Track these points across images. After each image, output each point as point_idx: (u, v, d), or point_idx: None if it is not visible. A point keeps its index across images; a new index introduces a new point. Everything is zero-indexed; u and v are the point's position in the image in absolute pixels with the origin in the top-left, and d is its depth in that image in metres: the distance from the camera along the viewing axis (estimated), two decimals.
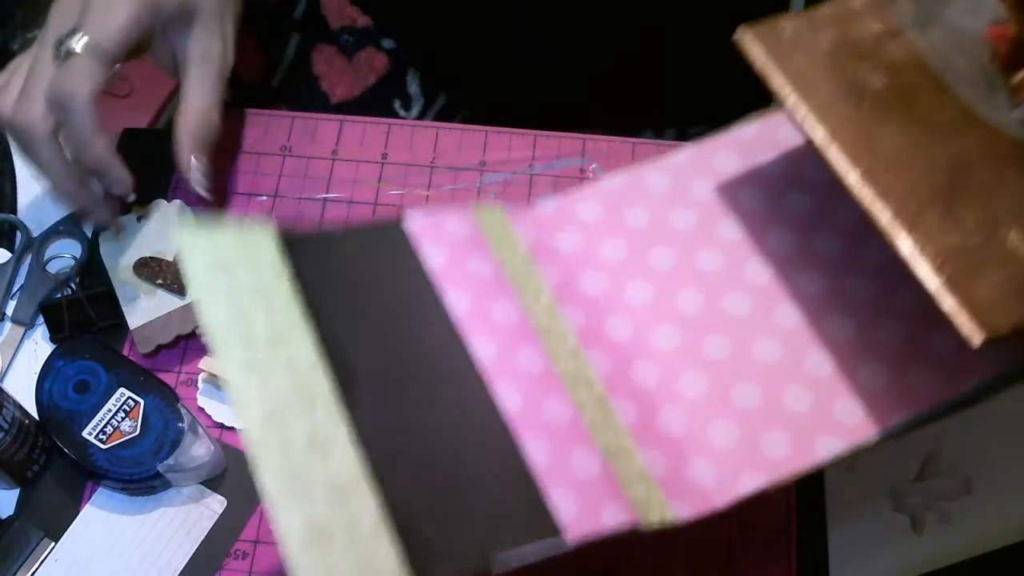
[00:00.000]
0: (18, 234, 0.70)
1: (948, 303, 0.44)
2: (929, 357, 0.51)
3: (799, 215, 0.57)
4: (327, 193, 0.71)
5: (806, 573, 0.59)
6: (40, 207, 0.72)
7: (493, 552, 0.45)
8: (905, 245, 0.46)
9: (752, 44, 0.51)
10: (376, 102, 0.86)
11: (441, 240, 0.54)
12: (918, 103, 0.50)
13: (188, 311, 0.64)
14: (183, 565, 0.60)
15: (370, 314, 0.51)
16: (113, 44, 0.59)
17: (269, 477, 0.43)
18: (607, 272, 0.57)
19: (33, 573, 0.60)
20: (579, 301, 0.55)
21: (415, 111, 0.86)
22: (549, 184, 0.70)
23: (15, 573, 0.60)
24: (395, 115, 0.86)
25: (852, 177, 0.47)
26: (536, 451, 0.48)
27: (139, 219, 0.67)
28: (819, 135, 0.48)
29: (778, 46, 0.50)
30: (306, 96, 0.78)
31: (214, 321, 0.46)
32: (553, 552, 0.47)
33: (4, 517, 0.62)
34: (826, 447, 0.51)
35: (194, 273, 0.47)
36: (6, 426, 0.59)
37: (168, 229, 0.67)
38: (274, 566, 0.60)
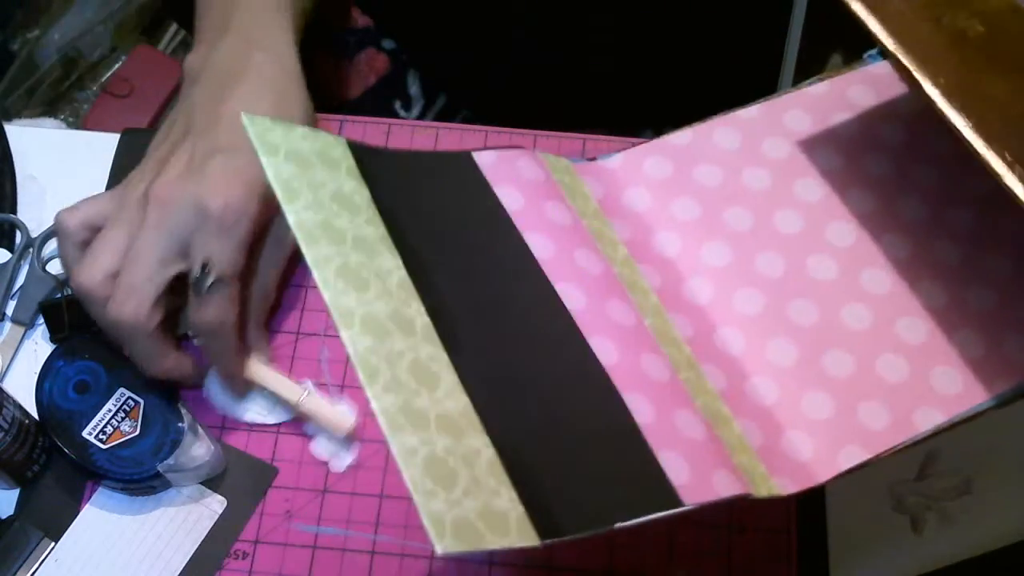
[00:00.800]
0: (18, 234, 0.70)
1: None
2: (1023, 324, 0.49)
3: (879, 176, 0.55)
4: None
5: (806, 573, 0.59)
6: (40, 207, 0.72)
7: (617, 519, 0.41)
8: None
9: None
10: (376, 102, 0.86)
11: (517, 181, 0.51)
12: (1021, 50, 0.46)
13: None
14: (183, 565, 0.60)
15: (453, 245, 0.48)
16: (235, 269, 0.58)
17: (382, 394, 0.40)
18: (680, 232, 0.54)
19: (33, 573, 0.60)
20: (654, 260, 0.53)
21: (415, 111, 0.86)
22: None
23: (15, 573, 0.60)
24: (395, 115, 0.86)
25: (963, 127, 0.44)
26: (641, 409, 0.45)
27: None
28: (926, 86, 0.45)
29: None
30: None
31: (296, 212, 0.43)
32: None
33: (4, 517, 0.62)
34: (926, 418, 0.49)
35: (270, 160, 0.44)
36: (6, 426, 0.59)
37: None
38: (274, 566, 0.60)
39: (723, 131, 0.57)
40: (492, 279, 0.48)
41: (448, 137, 0.72)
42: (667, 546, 0.59)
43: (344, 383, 0.65)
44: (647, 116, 0.85)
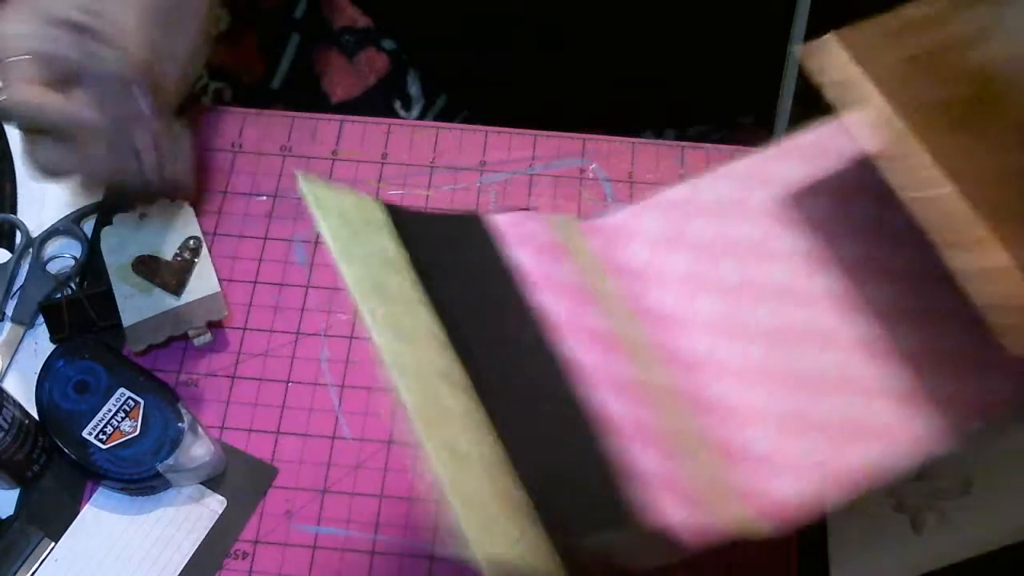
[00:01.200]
0: (18, 234, 0.70)
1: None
2: (995, 364, 0.50)
3: (866, 225, 0.56)
4: None
5: (806, 573, 0.59)
6: (40, 207, 0.72)
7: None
8: (1001, 260, 0.43)
9: (835, 51, 0.48)
10: (376, 102, 0.86)
11: (527, 241, 0.54)
12: (1009, 112, 0.47)
13: (182, 312, 0.64)
14: (183, 565, 0.60)
15: (476, 304, 0.51)
16: None
17: (432, 445, 0.43)
18: (675, 287, 0.56)
19: (33, 573, 0.60)
20: (649, 317, 0.55)
21: (415, 111, 0.86)
22: (549, 184, 0.70)
23: (15, 573, 0.60)
24: (395, 115, 0.86)
25: (945, 192, 0.45)
26: (640, 455, 0.49)
27: (141, 217, 0.67)
28: (902, 150, 0.46)
29: (859, 54, 0.48)
30: (306, 96, 0.78)
31: (354, 274, 0.46)
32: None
33: (4, 517, 0.62)
34: (907, 459, 0.51)
35: (327, 224, 0.47)
36: (6, 426, 0.59)
37: (169, 228, 0.67)
38: (274, 566, 0.60)
39: (717, 184, 0.59)
40: (508, 343, 0.51)
41: (448, 137, 0.72)
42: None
43: (344, 383, 0.65)
44: (647, 116, 0.85)
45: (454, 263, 0.52)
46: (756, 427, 0.53)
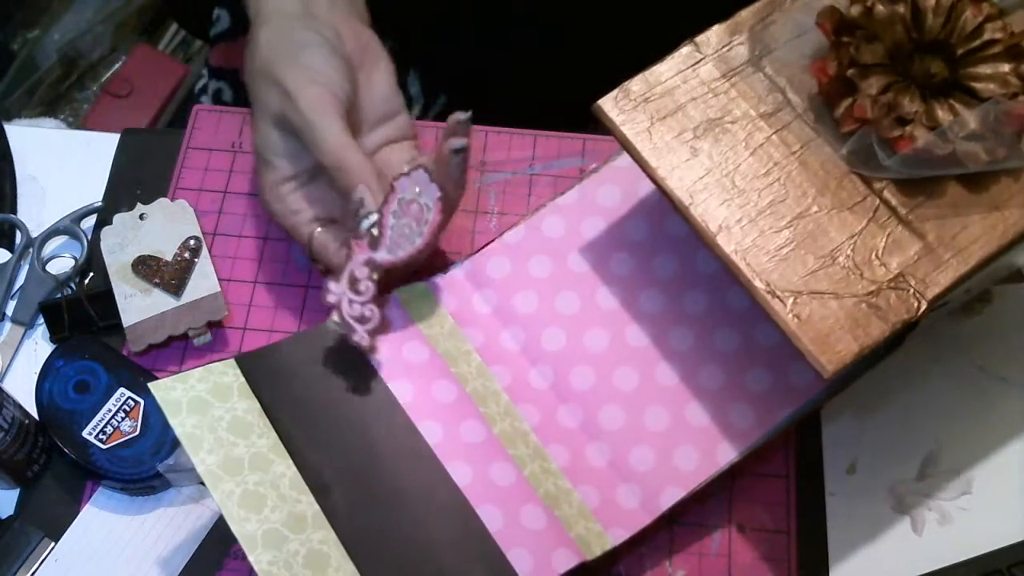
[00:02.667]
0: (18, 234, 0.70)
1: (802, 342, 0.49)
2: (746, 394, 0.59)
3: (679, 239, 0.61)
4: None
5: (806, 573, 0.59)
6: (40, 207, 0.72)
7: None
8: (758, 291, 0.51)
9: (611, 113, 0.55)
10: None
11: (380, 334, 0.60)
12: (759, 151, 0.54)
13: (182, 312, 0.64)
14: (183, 565, 0.60)
15: (327, 417, 0.58)
16: None
17: None
18: (523, 325, 0.62)
19: (33, 573, 0.60)
20: (503, 359, 0.61)
21: (416, 111, 0.86)
22: (549, 184, 0.70)
23: (15, 573, 0.60)
24: None
25: (709, 236, 0.52)
26: (491, 516, 0.56)
27: (141, 217, 0.67)
28: (675, 198, 0.53)
29: (631, 112, 0.55)
30: None
31: (202, 461, 0.53)
32: None
33: (4, 517, 0.62)
34: (726, 454, 0.58)
35: (175, 420, 0.54)
36: (6, 426, 0.59)
37: (169, 228, 0.67)
38: None
39: (549, 220, 0.64)
40: (363, 436, 0.58)
41: None
42: (667, 546, 0.59)
43: None
44: None
45: (309, 379, 0.59)
46: (596, 443, 0.59)
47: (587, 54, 0.81)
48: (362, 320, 0.59)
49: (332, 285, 0.59)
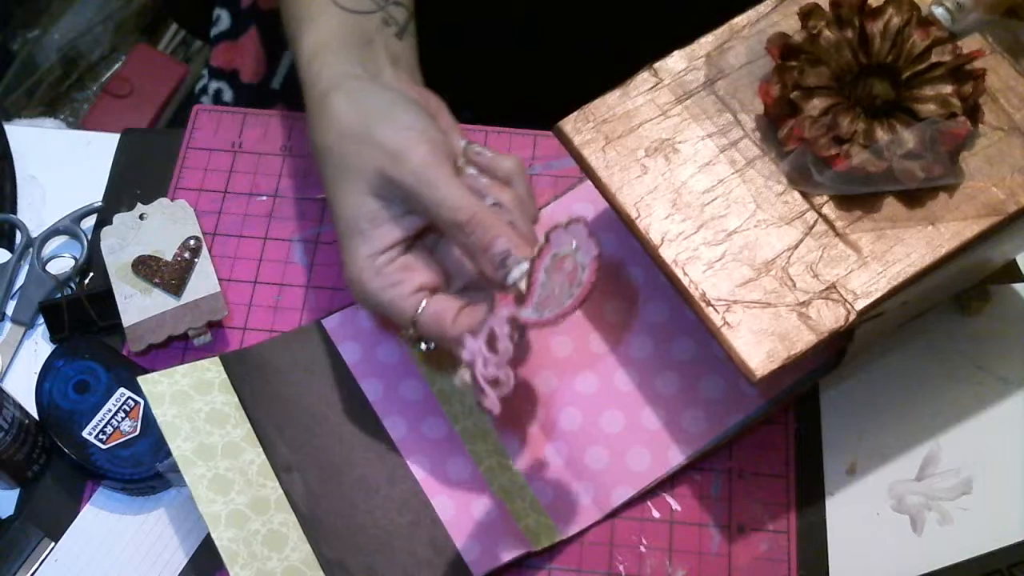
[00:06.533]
0: (18, 234, 0.70)
1: (732, 348, 0.51)
2: (699, 400, 0.61)
3: (643, 256, 0.61)
4: None
5: (806, 573, 0.59)
6: (40, 207, 0.72)
7: None
8: (694, 300, 0.53)
9: (570, 133, 0.57)
10: None
11: (356, 335, 0.64)
12: (706, 168, 0.56)
13: (182, 312, 0.64)
14: (183, 565, 0.60)
15: (301, 411, 0.61)
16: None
17: (240, 572, 0.54)
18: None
19: (33, 573, 0.60)
20: (467, 359, 0.61)
21: None
22: (549, 184, 0.70)
23: (15, 573, 0.60)
24: None
25: (652, 247, 0.54)
26: (444, 506, 0.59)
27: (141, 217, 0.67)
28: (622, 212, 0.55)
29: (589, 132, 0.57)
30: None
31: (178, 447, 0.57)
32: None
33: (4, 517, 0.62)
34: (675, 456, 0.60)
35: (158, 411, 0.58)
36: (6, 426, 0.59)
37: (169, 228, 0.67)
38: None
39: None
40: (331, 429, 0.61)
41: None
42: (667, 546, 0.60)
43: None
44: None
45: (286, 377, 0.62)
46: (554, 444, 0.61)
47: (587, 55, 0.81)
48: (495, 384, 0.52)
49: (469, 340, 0.53)
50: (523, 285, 0.52)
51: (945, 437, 0.63)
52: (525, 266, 0.52)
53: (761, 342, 0.51)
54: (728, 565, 0.59)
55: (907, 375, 0.64)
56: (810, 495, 0.61)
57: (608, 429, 0.61)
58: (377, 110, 0.57)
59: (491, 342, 0.52)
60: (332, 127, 0.57)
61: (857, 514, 0.61)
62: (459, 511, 0.59)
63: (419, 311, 0.55)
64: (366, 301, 0.57)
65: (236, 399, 0.60)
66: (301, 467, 0.59)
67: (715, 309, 0.52)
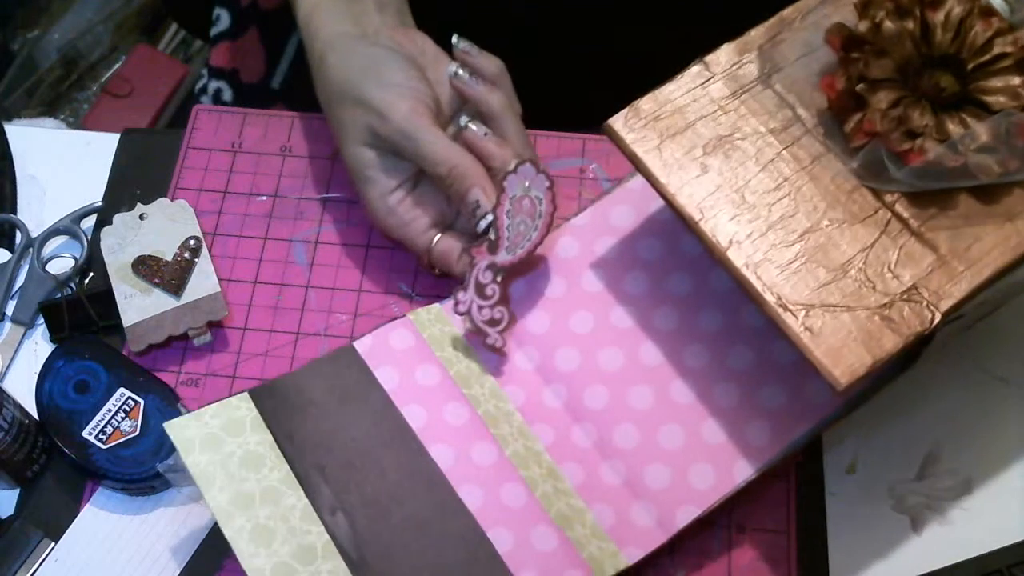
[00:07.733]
0: (18, 234, 0.70)
1: (814, 355, 0.49)
2: (762, 411, 0.58)
3: (694, 258, 0.61)
4: (327, 193, 0.71)
5: (806, 573, 0.59)
6: (40, 207, 0.72)
7: None
8: (769, 305, 0.51)
9: (621, 131, 0.55)
10: None
11: (391, 358, 0.61)
12: (769, 167, 0.54)
13: (182, 312, 0.64)
14: (183, 565, 0.60)
15: (341, 445, 0.58)
16: None
17: None
18: (537, 345, 0.61)
19: (33, 573, 0.60)
20: (516, 379, 0.61)
21: None
22: None
23: (15, 573, 0.60)
24: None
25: (719, 251, 0.52)
26: (502, 539, 0.56)
27: (141, 217, 0.67)
28: (685, 214, 0.53)
29: (641, 130, 0.55)
30: (306, 96, 0.78)
31: (214, 498, 0.54)
32: None
33: (4, 517, 0.62)
34: (742, 472, 0.57)
35: (189, 459, 0.55)
36: (6, 426, 0.59)
37: (169, 228, 0.67)
38: None
39: (562, 241, 0.64)
40: (374, 463, 0.58)
41: None
42: (667, 546, 0.59)
43: None
44: None
45: (322, 409, 0.59)
46: (611, 462, 0.58)
47: (587, 55, 0.81)
48: (493, 323, 0.60)
49: (461, 294, 0.61)
50: (492, 235, 0.60)
51: (945, 437, 0.63)
52: (490, 218, 0.60)
53: (844, 347, 0.49)
54: (728, 565, 0.59)
55: (907, 375, 0.64)
56: (810, 495, 0.61)
57: (667, 445, 0.58)
58: (363, 69, 0.63)
59: (480, 290, 0.60)
60: (328, 87, 0.64)
61: (857, 514, 0.61)
62: (518, 543, 0.56)
63: (432, 246, 0.63)
64: (388, 236, 0.65)
65: (271, 437, 0.57)
66: (346, 507, 0.56)
67: (793, 314, 0.50)
